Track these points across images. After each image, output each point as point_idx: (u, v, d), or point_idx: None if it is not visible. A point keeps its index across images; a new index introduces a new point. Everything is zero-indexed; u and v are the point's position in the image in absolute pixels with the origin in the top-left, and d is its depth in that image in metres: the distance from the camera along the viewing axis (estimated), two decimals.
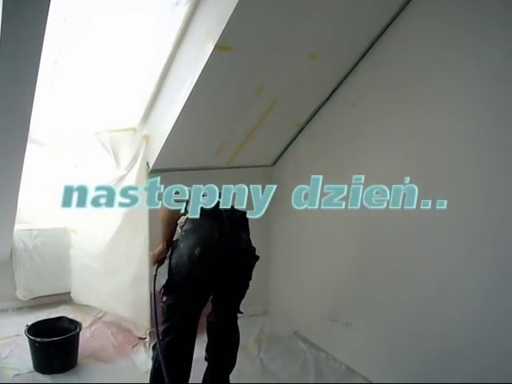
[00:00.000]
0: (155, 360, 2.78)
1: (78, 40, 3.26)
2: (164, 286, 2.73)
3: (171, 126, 3.45)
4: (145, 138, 3.78)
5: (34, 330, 3.49)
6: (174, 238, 2.88)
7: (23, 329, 3.48)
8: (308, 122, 3.99)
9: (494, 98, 2.64)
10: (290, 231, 4.33)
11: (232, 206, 2.89)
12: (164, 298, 2.75)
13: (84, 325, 3.97)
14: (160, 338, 2.76)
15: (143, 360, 3.65)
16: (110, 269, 4.13)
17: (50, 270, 4.47)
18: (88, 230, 4.31)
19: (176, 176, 3.76)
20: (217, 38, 2.89)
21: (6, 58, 2.54)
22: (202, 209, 2.79)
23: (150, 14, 3.16)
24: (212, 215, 2.78)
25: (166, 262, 2.79)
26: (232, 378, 3.06)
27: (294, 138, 4.18)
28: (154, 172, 3.79)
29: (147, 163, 3.79)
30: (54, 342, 3.39)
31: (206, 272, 2.68)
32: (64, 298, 4.54)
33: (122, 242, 4.00)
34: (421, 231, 3.07)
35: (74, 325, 3.62)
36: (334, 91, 3.69)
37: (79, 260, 4.43)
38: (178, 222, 2.88)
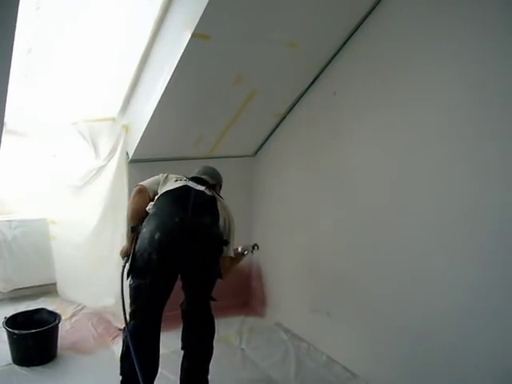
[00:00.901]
0: (123, 342, 2.82)
1: (53, 28, 3.21)
2: (128, 270, 2.77)
3: (149, 116, 3.42)
4: (124, 127, 3.75)
5: (13, 321, 3.45)
6: None
7: (1, 321, 3.44)
8: (289, 111, 3.97)
9: (478, 84, 2.59)
10: (271, 222, 4.33)
11: (203, 192, 2.89)
12: (129, 282, 2.77)
13: (65, 316, 3.96)
14: (127, 321, 2.78)
15: None
16: (92, 260, 4.11)
17: (29, 262, 4.41)
18: (69, 220, 4.27)
19: (155, 166, 3.74)
20: (194, 27, 2.85)
21: None
22: (168, 191, 2.83)
23: (126, 1, 3.11)
24: (177, 199, 2.81)
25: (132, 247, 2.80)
26: (213, 368, 3.05)
27: (275, 128, 4.16)
28: (133, 162, 3.76)
29: (127, 153, 3.76)
30: (33, 334, 3.35)
31: (166, 256, 2.69)
32: (45, 290, 4.52)
33: (105, 231, 3.97)
34: (406, 222, 3.06)
35: (54, 316, 3.58)
36: (314, 80, 3.67)
37: (62, 251, 4.38)
38: (147, 208, 2.87)
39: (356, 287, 3.45)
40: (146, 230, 2.72)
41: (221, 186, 3.24)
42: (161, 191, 2.88)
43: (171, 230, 2.69)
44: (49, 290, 4.50)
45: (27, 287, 4.47)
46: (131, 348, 2.65)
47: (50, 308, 3.80)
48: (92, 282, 4.14)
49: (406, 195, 3.04)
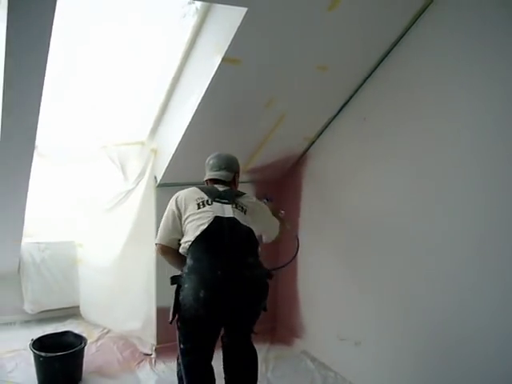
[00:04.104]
0: (177, 373, 2.92)
1: (84, 52, 3.26)
2: (176, 320, 2.73)
3: (179, 140, 3.42)
4: (153, 151, 3.77)
5: (40, 344, 3.44)
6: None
7: (29, 343, 3.43)
8: (319, 136, 3.93)
9: (509, 108, 2.54)
10: (302, 249, 4.23)
11: (236, 220, 2.77)
12: (177, 326, 2.77)
13: (91, 339, 3.95)
14: (180, 356, 2.80)
15: (148, 376, 3.63)
16: (118, 284, 4.11)
17: (57, 284, 4.44)
18: (96, 243, 4.29)
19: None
20: (224, 51, 2.85)
21: (11, 70, 2.55)
22: (201, 237, 2.67)
23: (157, 26, 3.17)
24: (213, 245, 2.68)
25: (174, 295, 2.73)
26: None
27: (304, 153, 4.12)
28: (161, 186, 3.77)
29: (155, 177, 3.77)
30: (59, 357, 3.34)
31: (213, 312, 2.65)
32: (72, 312, 4.52)
33: (131, 255, 3.96)
34: (433, 249, 2.98)
35: (80, 339, 3.57)
36: (344, 105, 3.64)
37: (87, 274, 4.41)
38: (182, 251, 2.79)
39: (386, 316, 3.36)
40: (188, 286, 2.62)
41: (239, 173, 3.13)
42: (189, 226, 2.74)
43: (215, 286, 2.60)
44: (76, 312, 4.50)
45: (54, 309, 4.49)
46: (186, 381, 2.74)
47: (77, 331, 3.79)
48: (117, 306, 4.13)
49: (436, 222, 2.97)
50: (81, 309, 4.49)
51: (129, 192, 3.90)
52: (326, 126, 3.84)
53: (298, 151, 4.10)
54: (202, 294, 2.56)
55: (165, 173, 3.68)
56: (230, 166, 3.05)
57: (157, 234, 3.31)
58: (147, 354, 3.93)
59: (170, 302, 3.67)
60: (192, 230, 2.71)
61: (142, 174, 3.79)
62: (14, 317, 4.37)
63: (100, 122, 3.80)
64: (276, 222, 3.16)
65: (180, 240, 2.80)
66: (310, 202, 4.11)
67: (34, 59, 2.54)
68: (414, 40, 3.08)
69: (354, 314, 3.65)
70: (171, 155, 3.55)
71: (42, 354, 3.33)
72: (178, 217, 2.80)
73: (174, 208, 2.83)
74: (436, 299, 2.97)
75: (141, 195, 3.80)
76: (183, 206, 2.81)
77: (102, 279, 4.20)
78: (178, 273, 2.79)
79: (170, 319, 2.71)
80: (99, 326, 4.34)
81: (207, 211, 2.75)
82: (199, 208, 2.77)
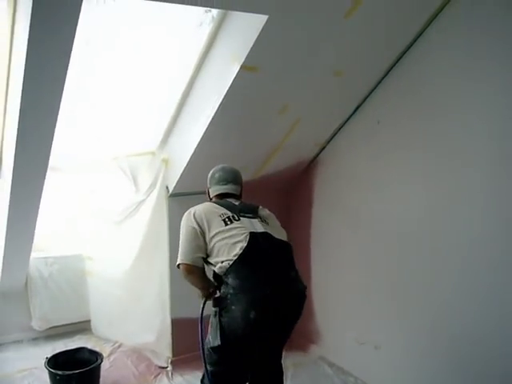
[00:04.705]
0: None
1: (96, 63, 3.23)
2: (217, 344, 2.56)
3: (193, 149, 3.38)
4: (164, 161, 3.72)
5: (54, 361, 3.37)
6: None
7: (41, 361, 3.36)
8: (329, 141, 3.92)
9: None
10: (315, 255, 4.24)
11: (269, 235, 2.64)
12: (211, 347, 2.62)
13: (103, 355, 3.88)
14: (208, 376, 2.66)
15: None
16: (130, 296, 4.05)
17: (66, 299, 4.37)
18: (106, 256, 4.22)
19: (197, 200, 3.68)
20: (243, 59, 2.83)
21: (30, 84, 2.51)
22: (243, 257, 2.50)
23: (171, 36, 3.13)
24: (256, 261, 2.52)
25: (214, 320, 2.59)
26: None
27: (314, 158, 4.11)
28: (173, 196, 3.72)
29: (166, 187, 3.72)
30: (76, 375, 3.25)
31: (262, 331, 2.52)
32: (81, 327, 4.46)
33: (142, 267, 3.91)
34: (452, 252, 2.99)
35: (95, 356, 3.49)
36: (357, 108, 3.62)
37: (97, 288, 4.34)
38: (219, 270, 2.56)
39: (406, 320, 3.35)
40: (235, 307, 2.45)
41: (242, 185, 3.01)
42: (221, 244, 2.56)
43: (266, 305, 2.45)
44: (85, 327, 4.44)
45: (63, 325, 4.42)
46: None
47: (88, 346, 3.72)
48: (129, 319, 4.08)
49: (454, 226, 2.97)
50: (92, 323, 4.42)
51: (140, 203, 3.85)
52: (337, 131, 3.83)
53: (309, 157, 4.08)
54: (252, 315, 2.41)
55: (177, 182, 3.64)
56: (235, 179, 2.95)
57: (170, 247, 3.25)
58: (163, 367, 3.87)
59: (186, 313, 3.67)
60: (227, 249, 2.53)
61: (153, 185, 3.75)
62: (22, 334, 4.28)
63: (111, 133, 3.75)
64: (285, 232, 2.99)
65: (203, 258, 2.64)
66: (322, 208, 4.09)
67: (53, 72, 2.51)
68: (430, 41, 3.08)
69: (372, 318, 3.63)
70: (185, 164, 3.50)
71: (59, 372, 3.25)
72: (201, 234, 2.60)
73: (195, 225, 2.62)
74: (456, 302, 2.97)
75: (152, 206, 3.75)
76: (205, 222, 2.62)
77: (112, 292, 4.13)
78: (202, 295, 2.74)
79: (218, 343, 2.54)
80: (110, 340, 4.27)
81: (239, 227, 2.59)
82: (227, 224, 2.60)
